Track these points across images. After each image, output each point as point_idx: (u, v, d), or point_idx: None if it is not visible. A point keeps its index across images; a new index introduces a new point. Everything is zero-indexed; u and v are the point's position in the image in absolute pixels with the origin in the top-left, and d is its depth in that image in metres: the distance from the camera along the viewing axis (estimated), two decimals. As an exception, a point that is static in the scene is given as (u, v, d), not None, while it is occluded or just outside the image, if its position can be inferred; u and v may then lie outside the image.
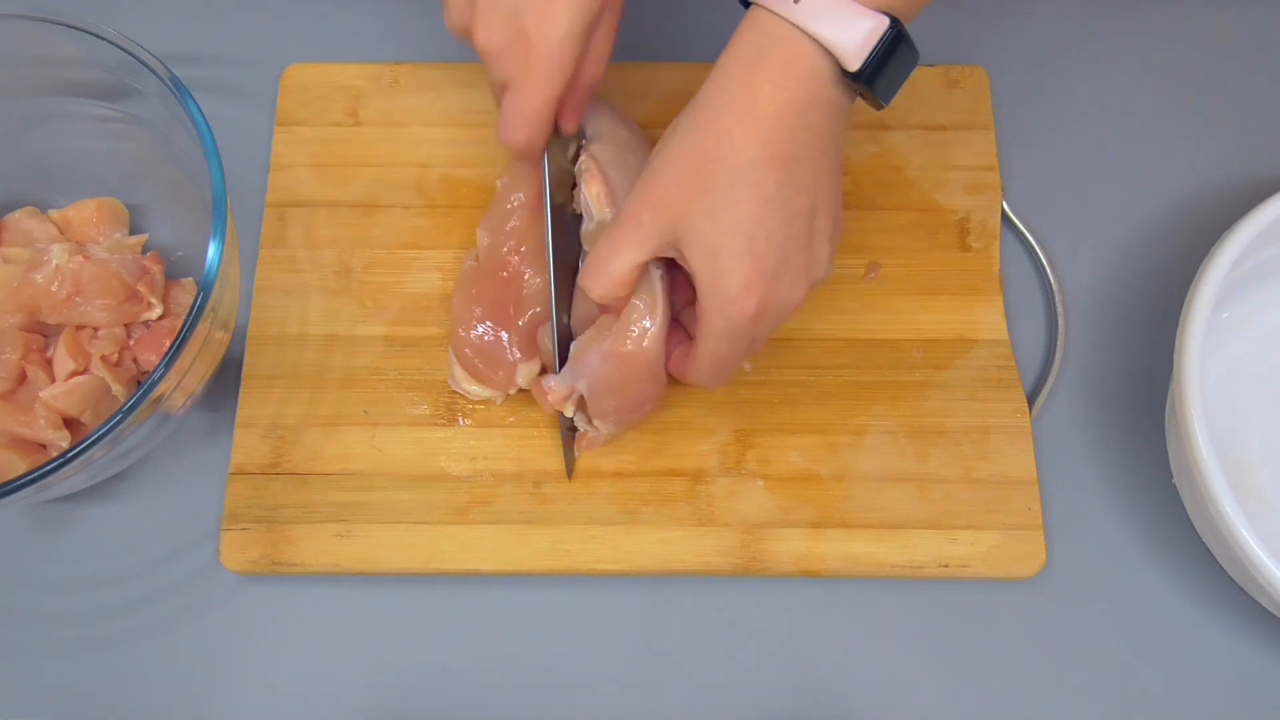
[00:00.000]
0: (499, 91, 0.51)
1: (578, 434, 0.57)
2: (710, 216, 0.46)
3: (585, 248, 0.56)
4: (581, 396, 0.54)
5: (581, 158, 0.55)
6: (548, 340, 0.56)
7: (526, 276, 0.58)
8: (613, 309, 0.52)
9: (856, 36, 0.45)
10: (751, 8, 0.47)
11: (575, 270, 0.56)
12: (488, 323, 0.58)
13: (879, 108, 0.48)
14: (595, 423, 0.55)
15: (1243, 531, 0.49)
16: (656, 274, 0.51)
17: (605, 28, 0.51)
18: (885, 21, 0.45)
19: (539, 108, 0.50)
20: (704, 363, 0.50)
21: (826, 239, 0.49)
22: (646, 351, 0.51)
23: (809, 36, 0.45)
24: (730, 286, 0.47)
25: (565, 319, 0.56)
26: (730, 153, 0.46)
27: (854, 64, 0.45)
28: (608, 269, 0.49)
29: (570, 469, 0.58)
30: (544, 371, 0.57)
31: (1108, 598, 0.57)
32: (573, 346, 0.54)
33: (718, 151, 0.46)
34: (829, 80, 0.46)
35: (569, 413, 0.54)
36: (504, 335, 0.57)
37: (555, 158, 0.55)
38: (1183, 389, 0.51)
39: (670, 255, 0.49)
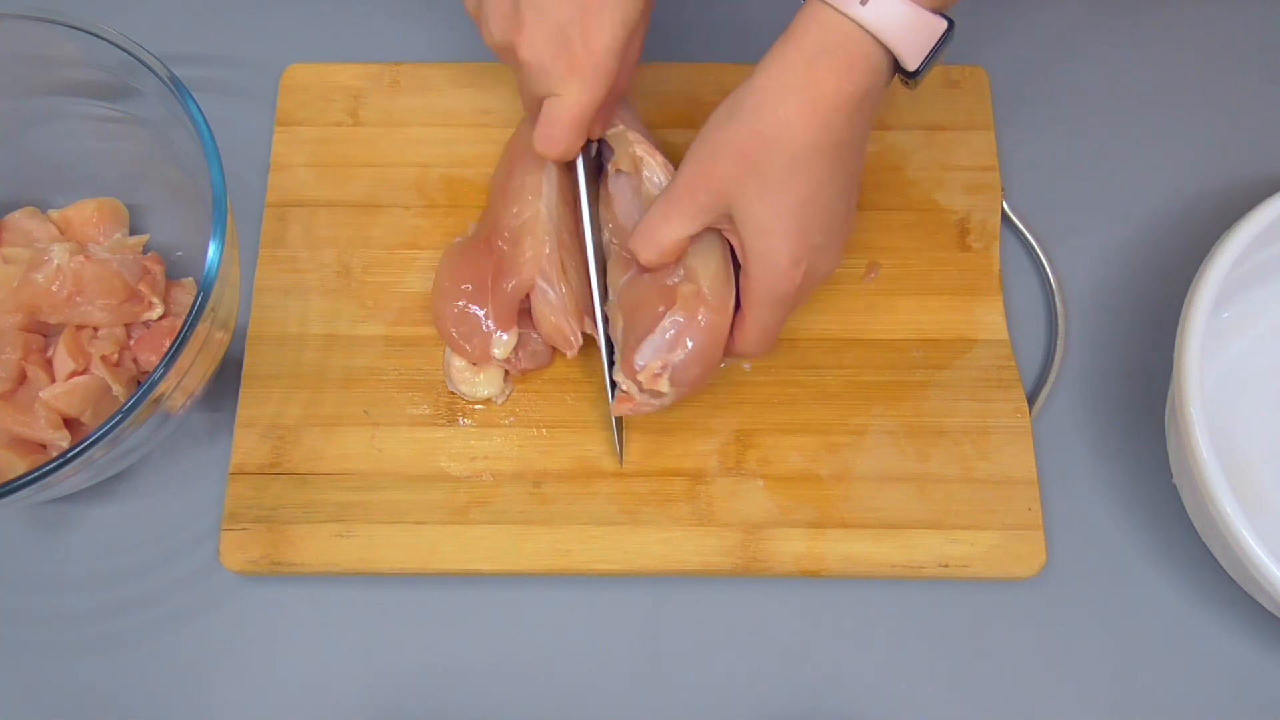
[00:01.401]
0: (535, 103, 0.54)
1: (617, 395, 0.55)
2: (764, 197, 0.49)
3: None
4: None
5: (631, 136, 0.57)
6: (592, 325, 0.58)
7: (523, 244, 0.58)
8: (658, 271, 0.54)
9: (919, 39, 0.48)
10: (811, 1, 0.48)
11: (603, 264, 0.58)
12: (467, 291, 0.58)
13: (912, 87, 0.50)
14: (664, 393, 0.54)
15: (1242, 531, 0.49)
16: (723, 242, 0.54)
17: (638, 37, 0.54)
18: (943, 24, 0.48)
19: (581, 116, 0.52)
20: (753, 332, 0.53)
21: (855, 206, 0.54)
22: (729, 318, 0.54)
23: (874, 37, 0.47)
24: (780, 261, 0.50)
25: (604, 304, 0.58)
26: (789, 139, 0.48)
27: (914, 64, 0.48)
28: (659, 237, 0.52)
29: (621, 454, 0.58)
30: (521, 342, 0.58)
31: (1107, 597, 0.57)
32: (630, 345, 0.54)
33: (777, 137, 0.48)
34: (883, 74, 0.49)
35: (664, 389, 0.53)
36: (481, 307, 0.58)
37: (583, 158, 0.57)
38: (1183, 389, 0.51)
39: (718, 228, 0.52)
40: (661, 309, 0.53)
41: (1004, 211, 0.63)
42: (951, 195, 0.63)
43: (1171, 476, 0.57)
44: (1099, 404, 0.61)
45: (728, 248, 0.54)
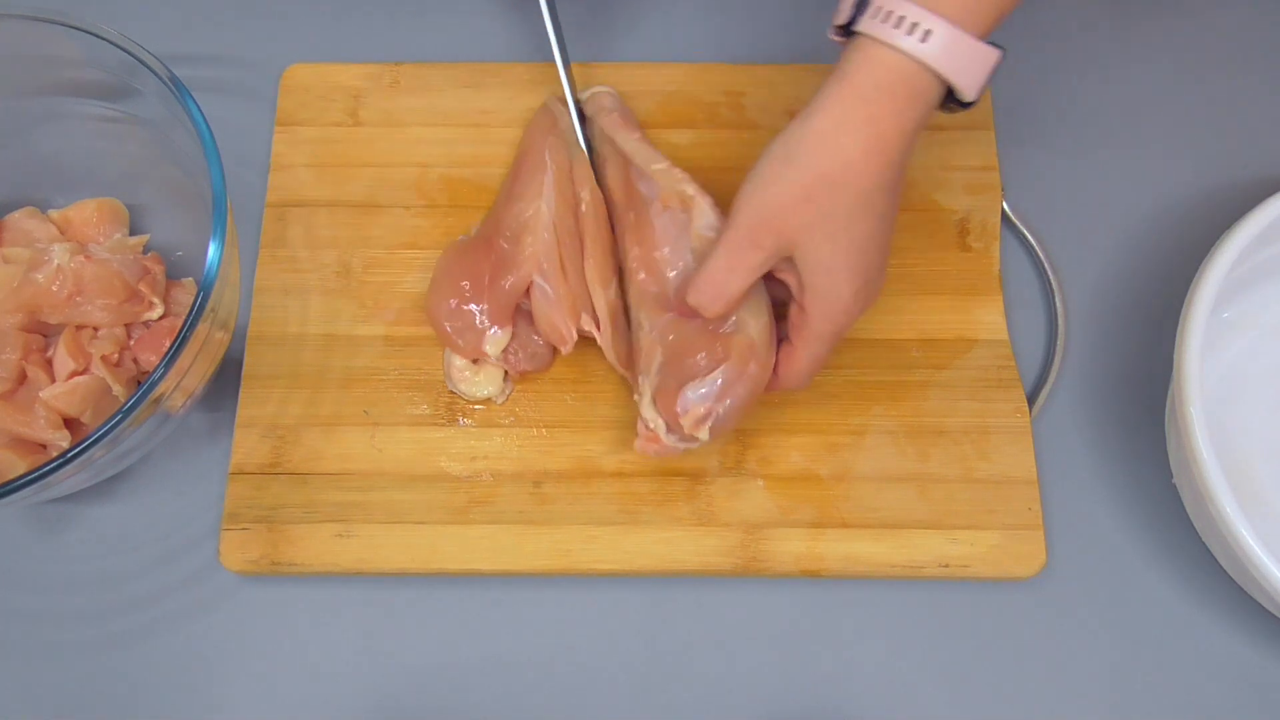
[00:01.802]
0: None
1: (643, 433, 0.54)
2: (831, 238, 0.49)
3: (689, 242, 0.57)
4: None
5: (677, 174, 0.58)
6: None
7: (523, 242, 0.58)
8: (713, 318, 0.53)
9: (977, 70, 0.47)
10: (861, 39, 0.47)
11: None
12: (464, 287, 0.58)
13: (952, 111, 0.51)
14: (702, 440, 0.53)
15: (1242, 531, 0.49)
16: (764, 290, 0.54)
17: None
18: (997, 53, 0.48)
19: None
20: (804, 365, 0.53)
21: None
22: (771, 370, 0.54)
23: (933, 72, 0.47)
24: (844, 297, 0.50)
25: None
26: (854, 180, 0.48)
27: (973, 95, 0.48)
28: (727, 291, 0.51)
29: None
30: (518, 339, 0.58)
31: (1107, 597, 0.57)
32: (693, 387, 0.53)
33: (843, 179, 0.48)
34: (935, 104, 0.49)
35: (704, 436, 0.52)
36: (476, 303, 0.58)
37: None
38: (1183, 388, 0.51)
39: (774, 270, 0.52)
40: (706, 355, 0.53)
41: (1004, 211, 0.63)
42: (951, 195, 0.63)
43: (1171, 476, 0.57)
44: (1099, 404, 0.61)
45: (767, 295, 0.54)
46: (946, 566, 0.56)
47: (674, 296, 0.56)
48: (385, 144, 0.65)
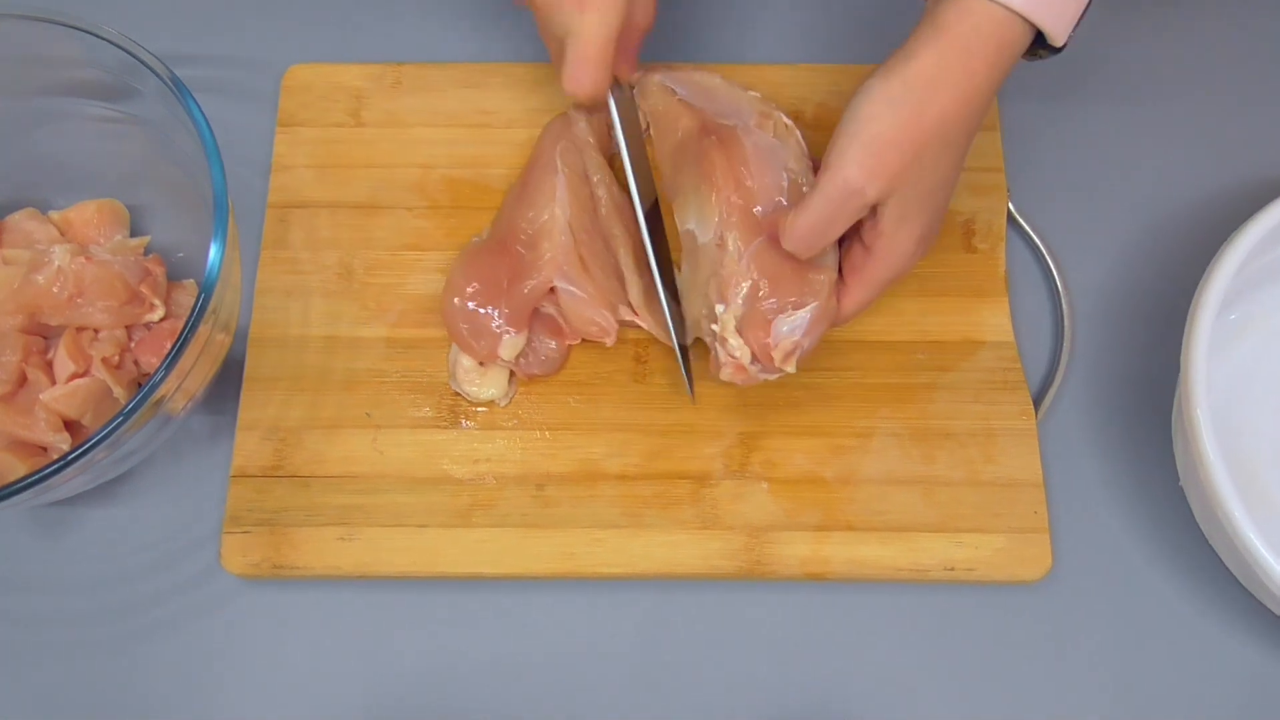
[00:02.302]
0: (558, 49, 0.54)
1: (728, 361, 0.54)
2: (915, 185, 0.50)
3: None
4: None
5: (771, 105, 0.59)
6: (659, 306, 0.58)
7: (541, 247, 0.58)
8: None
9: (1065, 15, 0.49)
10: None
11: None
12: (480, 290, 0.58)
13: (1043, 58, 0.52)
14: (789, 371, 0.54)
15: (1250, 534, 0.49)
16: None
17: None
18: None
19: (601, 46, 0.53)
20: (855, 308, 0.55)
21: None
22: None
23: (1025, 20, 0.48)
24: (911, 244, 0.52)
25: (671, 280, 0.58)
26: (946, 128, 0.49)
27: (1062, 40, 0.49)
28: (826, 238, 0.52)
29: (691, 387, 0.58)
30: (529, 343, 0.58)
31: (1114, 601, 0.57)
32: (775, 320, 0.54)
33: (935, 127, 0.49)
34: (1024, 50, 0.50)
35: (791, 369, 0.53)
36: (494, 307, 0.58)
37: (623, 107, 0.58)
38: (1189, 391, 0.51)
39: None
40: (798, 290, 0.53)
41: (1010, 213, 0.63)
42: (957, 197, 0.62)
43: (1178, 479, 0.57)
44: (1105, 406, 0.60)
45: None
46: (952, 570, 0.56)
47: (765, 223, 0.55)
48: (387, 145, 0.64)
